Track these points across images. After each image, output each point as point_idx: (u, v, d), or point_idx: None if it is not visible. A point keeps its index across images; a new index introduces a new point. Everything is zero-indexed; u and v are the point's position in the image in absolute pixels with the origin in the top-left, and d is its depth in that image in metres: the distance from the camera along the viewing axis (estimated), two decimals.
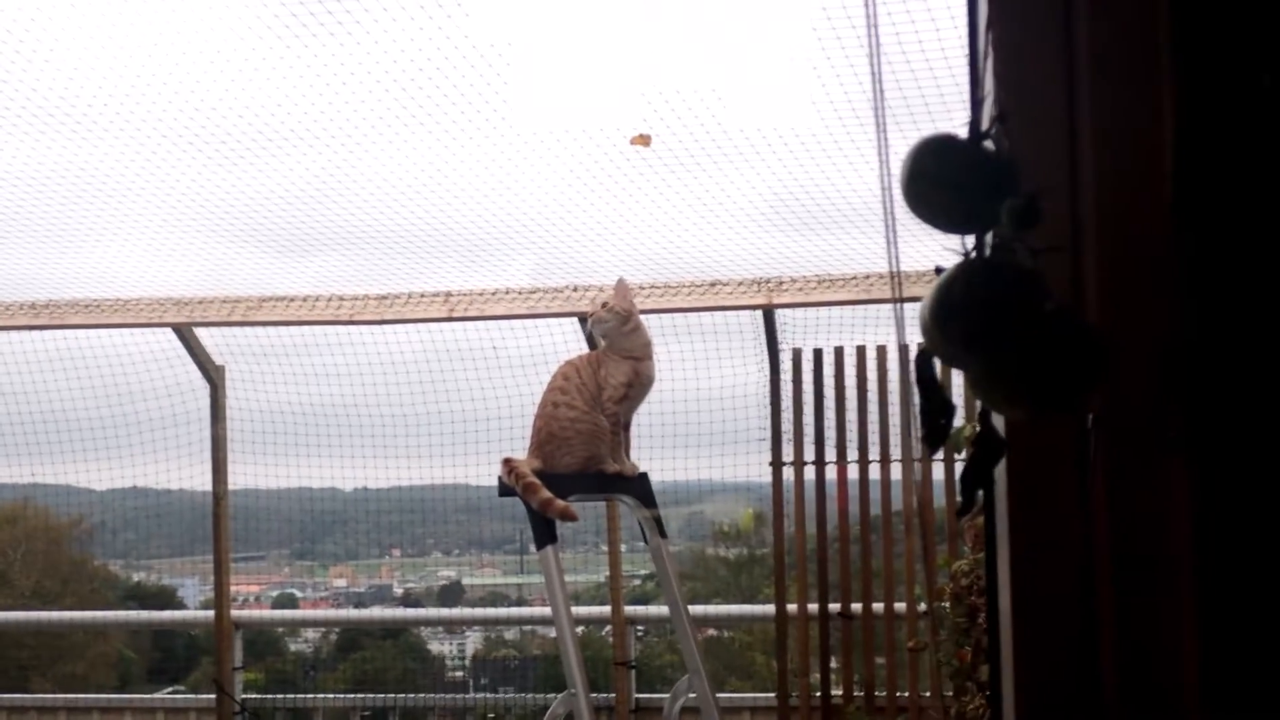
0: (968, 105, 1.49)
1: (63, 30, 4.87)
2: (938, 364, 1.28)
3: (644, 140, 5.34)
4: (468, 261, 7.24)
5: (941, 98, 4.95)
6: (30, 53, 4.99)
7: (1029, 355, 1.19)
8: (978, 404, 1.34)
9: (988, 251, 1.24)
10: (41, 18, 4.78)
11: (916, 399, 1.27)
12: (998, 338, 1.19)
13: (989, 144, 1.26)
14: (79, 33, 4.91)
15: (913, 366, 1.27)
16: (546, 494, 4.75)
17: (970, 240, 1.25)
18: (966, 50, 1.51)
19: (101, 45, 5.06)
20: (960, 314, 1.21)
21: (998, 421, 1.35)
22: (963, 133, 1.28)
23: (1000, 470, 1.41)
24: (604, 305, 5.08)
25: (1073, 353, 1.21)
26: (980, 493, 1.33)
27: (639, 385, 5.05)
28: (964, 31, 1.54)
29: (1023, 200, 1.20)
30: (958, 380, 1.34)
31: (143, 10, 4.84)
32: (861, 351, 6.67)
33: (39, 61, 5.06)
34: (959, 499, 1.31)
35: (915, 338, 1.28)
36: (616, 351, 5.05)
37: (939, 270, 1.22)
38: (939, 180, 1.25)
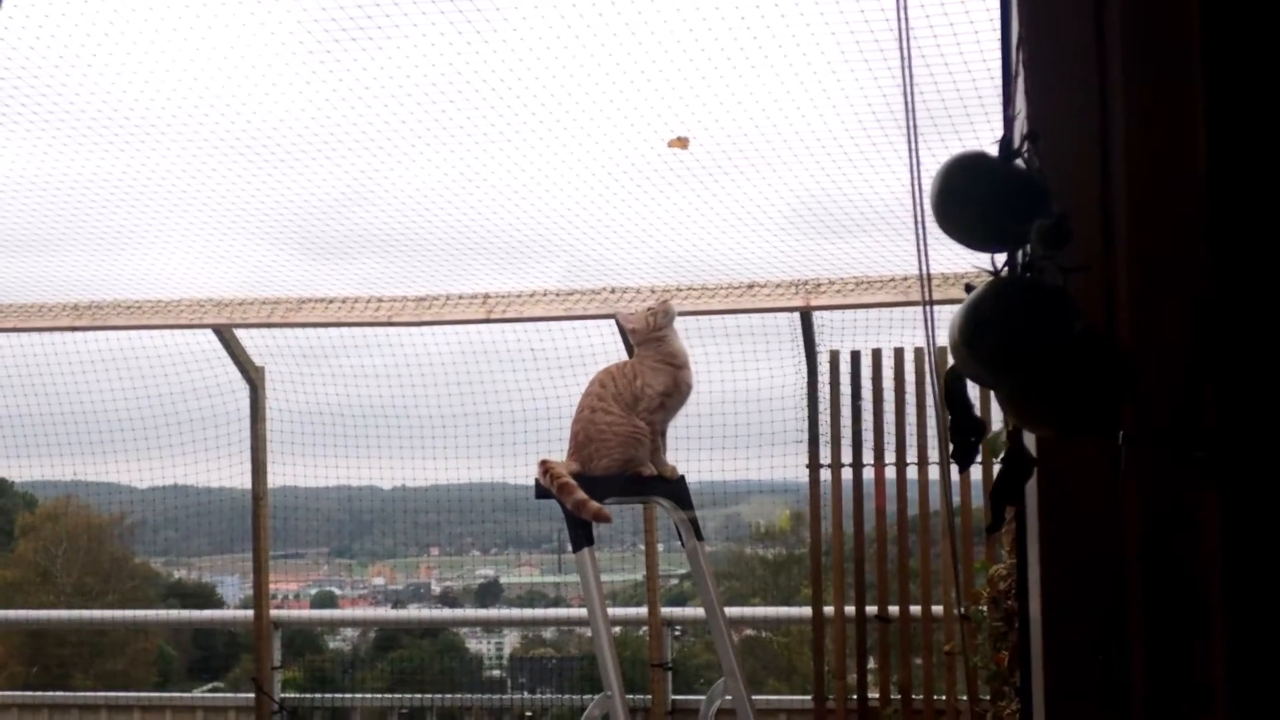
0: (1002, 112, 1.49)
1: (111, 43, 4.92)
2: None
3: (682, 143, 5.33)
4: (505, 264, 7.26)
5: (980, 101, 4.94)
6: (76, 60, 5.04)
7: (1058, 376, 1.19)
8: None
9: (1018, 270, 1.24)
10: (95, 32, 4.84)
11: (932, 410, 1.27)
12: (1027, 358, 1.19)
13: (1020, 162, 1.26)
14: (128, 46, 4.96)
15: (940, 385, 1.27)
16: (581, 495, 4.75)
17: (1000, 258, 1.26)
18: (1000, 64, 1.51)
19: (150, 58, 5.11)
20: (989, 334, 1.21)
21: (1027, 437, 1.35)
22: (994, 150, 1.28)
23: (1031, 484, 1.41)
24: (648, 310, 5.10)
25: (1102, 373, 1.21)
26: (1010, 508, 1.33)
27: (678, 395, 5.04)
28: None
29: (1052, 219, 1.20)
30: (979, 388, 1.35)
31: (188, 24, 4.88)
32: (899, 353, 6.65)
33: (86, 71, 5.11)
34: (984, 515, 1.32)
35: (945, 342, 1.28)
36: (656, 358, 5.02)
37: (969, 289, 1.22)
38: (969, 198, 1.25)
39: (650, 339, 5.05)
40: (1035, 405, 1.23)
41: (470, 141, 5.62)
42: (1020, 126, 1.33)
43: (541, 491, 4.90)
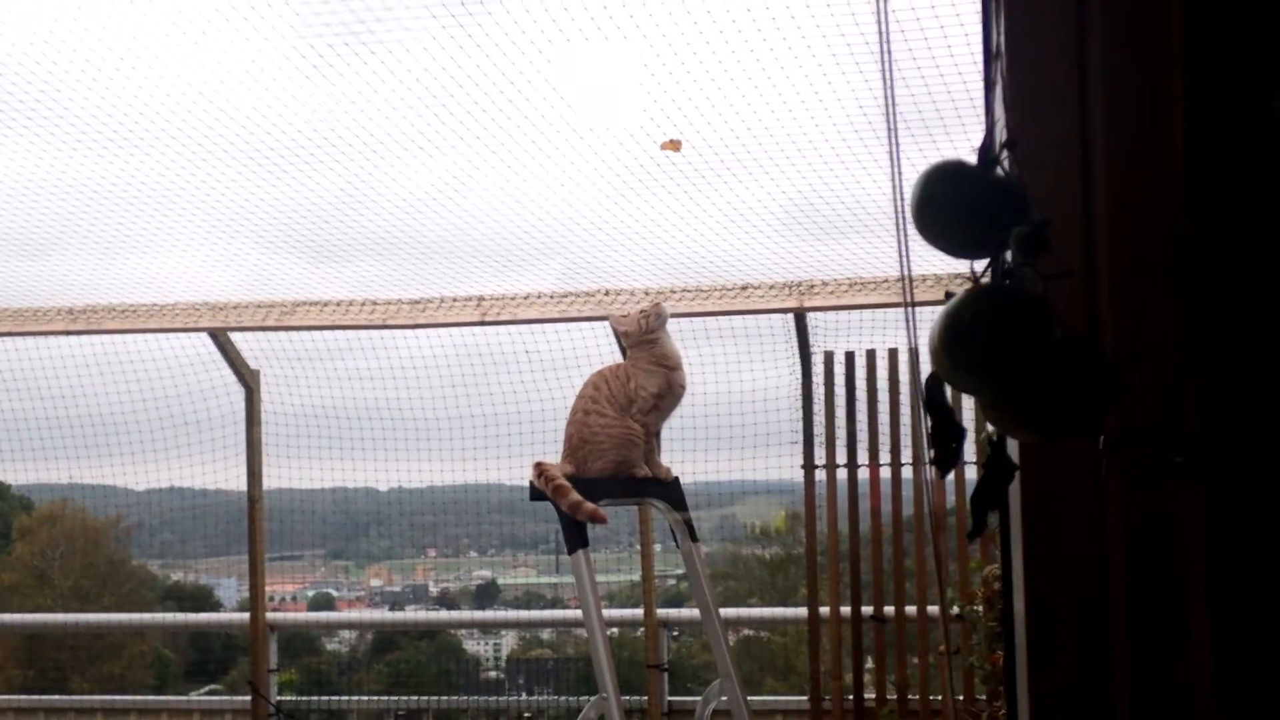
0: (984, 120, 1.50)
1: (105, 48, 4.93)
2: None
3: (675, 145, 5.33)
4: (499, 268, 7.27)
5: (972, 103, 4.95)
6: (69, 65, 5.05)
7: (1038, 383, 1.20)
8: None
9: (998, 277, 1.25)
10: (88, 37, 4.85)
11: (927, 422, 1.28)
12: (1007, 365, 1.20)
13: (999, 170, 1.27)
14: (122, 50, 4.97)
15: (923, 390, 1.28)
16: (576, 496, 4.76)
17: (981, 265, 1.27)
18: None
19: (145, 63, 5.12)
20: (969, 341, 1.21)
21: (1010, 442, 1.36)
22: (973, 158, 1.29)
23: (1014, 488, 1.42)
24: (642, 313, 5.09)
25: (1081, 380, 1.22)
26: (993, 514, 1.34)
27: (671, 396, 5.05)
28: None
29: (1031, 227, 1.21)
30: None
31: (181, 30, 4.90)
32: (893, 354, 6.66)
33: (79, 76, 5.12)
34: (969, 519, 1.33)
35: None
36: (649, 360, 5.03)
37: (948, 295, 1.23)
38: (948, 206, 1.26)
39: (643, 341, 5.05)
40: (1015, 411, 1.24)
41: (464, 145, 5.63)
42: (1000, 134, 1.34)
43: (536, 494, 4.90)
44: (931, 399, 1.28)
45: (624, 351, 5.34)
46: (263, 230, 6.96)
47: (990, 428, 1.32)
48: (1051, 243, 1.22)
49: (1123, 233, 1.35)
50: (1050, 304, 1.22)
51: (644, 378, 4.99)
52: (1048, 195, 1.32)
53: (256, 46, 4.99)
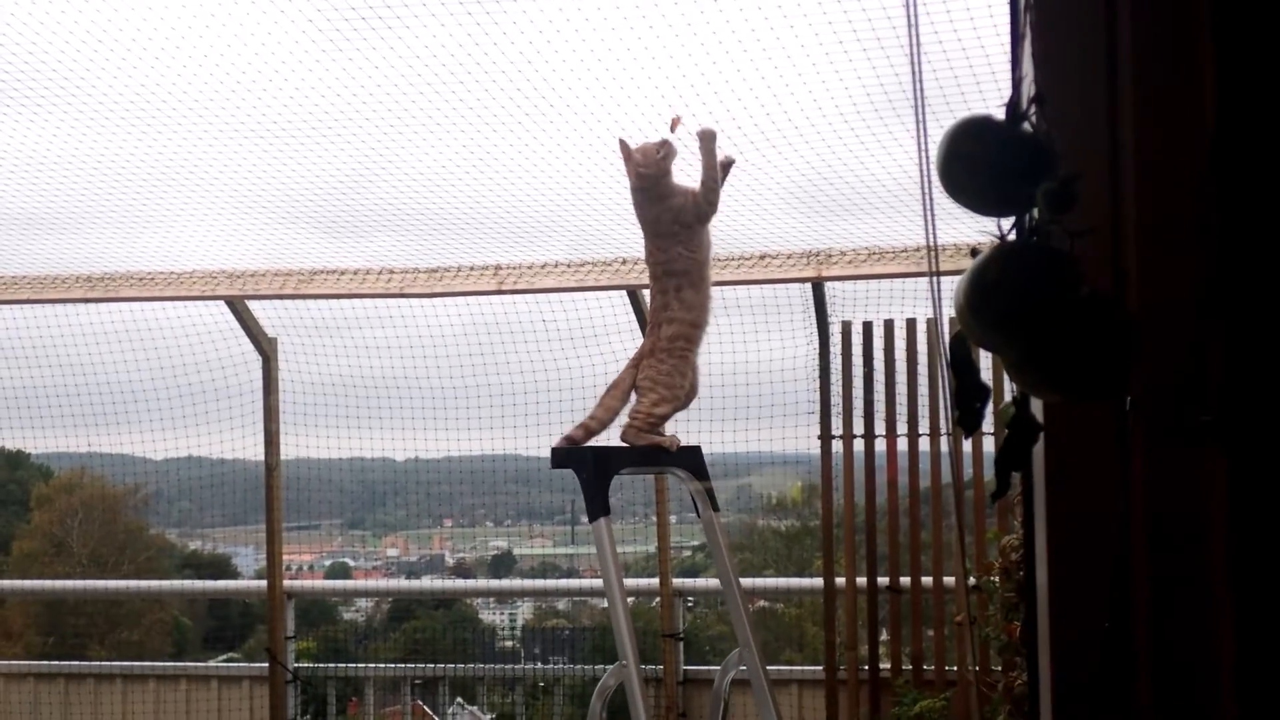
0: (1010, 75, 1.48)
1: (120, 22, 4.93)
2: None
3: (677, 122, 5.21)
4: (515, 240, 7.25)
5: (992, 74, 4.92)
6: (85, 40, 5.04)
7: (1063, 342, 1.19)
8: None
9: (1024, 235, 1.24)
10: (105, 8, 4.85)
11: (948, 381, 1.27)
12: (1032, 323, 1.19)
13: (1027, 126, 1.26)
14: (140, 24, 4.97)
15: (947, 350, 1.27)
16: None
17: (1006, 223, 1.26)
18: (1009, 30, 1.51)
19: (164, 39, 5.12)
20: (994, 299, 1.20)
21: (1034, 403, 1.35)
22: (1000, 114, 1.27)
23: (1038, 450, 1.41)
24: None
25: (1106, 339, 1.21)
26: (1016, 475, 1.33)
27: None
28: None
29: (1058, 183, 1.20)
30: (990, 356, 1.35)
31: (200, 3, 4.89)
32: (911, 324, 6.64)
33: (96, 49, 5.12)
34: (993, 481, 1.32)
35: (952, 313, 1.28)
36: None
37: (974, 253, 1.22)
38: (974, 163, 1.24)
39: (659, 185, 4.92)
40: (1040, 371, 1.23)
41: (480, 122, 5.61)
42: (1027, 90, 1.33)
43: (558, 462, 4.87)
44: (956, 358, 1.27)
45: (640, 321, 5.28)
46: (280, 205, 6.96)
47: (1012, 393, 1.31)
48: (1079, 199, 1.20)
49: (1150, 190, 1.34)
50: (1076, 262, 1.21)
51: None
52: (1075, 151, 1.31)
53: (274, 19, 4.98)
